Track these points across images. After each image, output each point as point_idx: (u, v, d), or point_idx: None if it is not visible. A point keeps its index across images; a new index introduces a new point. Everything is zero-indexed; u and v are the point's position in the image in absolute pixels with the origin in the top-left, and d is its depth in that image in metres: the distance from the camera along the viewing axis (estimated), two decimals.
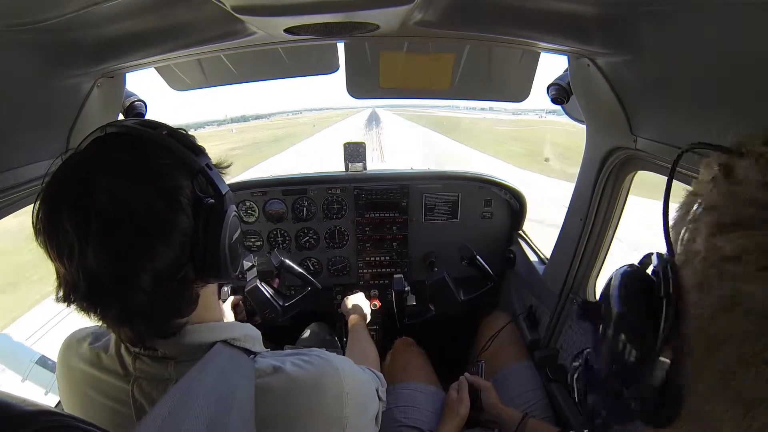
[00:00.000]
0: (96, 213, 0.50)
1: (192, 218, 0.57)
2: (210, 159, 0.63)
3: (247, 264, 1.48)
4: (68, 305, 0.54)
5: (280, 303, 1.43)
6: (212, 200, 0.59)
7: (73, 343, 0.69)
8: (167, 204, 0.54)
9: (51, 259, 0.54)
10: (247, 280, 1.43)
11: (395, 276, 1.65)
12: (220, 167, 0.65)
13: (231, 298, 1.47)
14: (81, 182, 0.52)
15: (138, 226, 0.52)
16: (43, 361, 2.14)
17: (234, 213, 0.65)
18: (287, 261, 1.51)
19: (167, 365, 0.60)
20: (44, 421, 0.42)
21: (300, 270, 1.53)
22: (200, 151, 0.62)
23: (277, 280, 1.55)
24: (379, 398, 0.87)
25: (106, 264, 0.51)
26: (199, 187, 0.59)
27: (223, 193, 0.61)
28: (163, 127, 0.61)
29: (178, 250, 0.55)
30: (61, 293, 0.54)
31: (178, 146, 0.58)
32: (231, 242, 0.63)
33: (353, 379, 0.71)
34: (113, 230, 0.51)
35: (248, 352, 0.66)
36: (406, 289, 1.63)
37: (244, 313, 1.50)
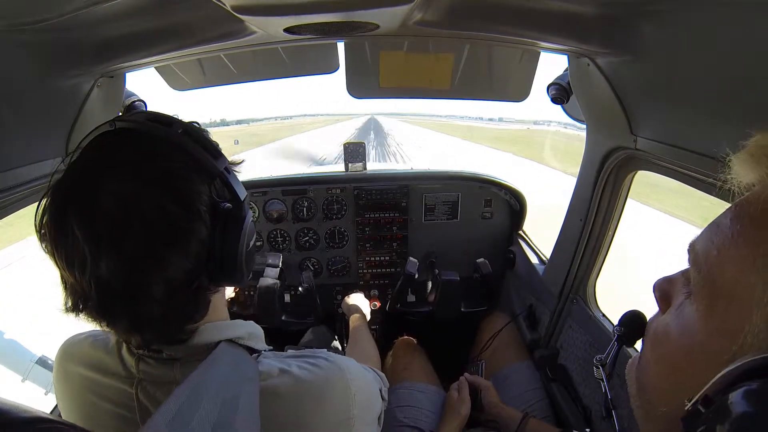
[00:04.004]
0: (107, 220, 0.48)
1: (209, 225, 0.54)
2: (228, 161, 0.60)
3: (271, 260, 1.45)
4: (77, 315, 0.52)
5: (282, 316, 1.42)
6: (229, 205, 0.56)
7: (70, 347, 0.67)
8: (184, 211, 0.51)
9: (59, 268, 0.51)
10: (264, 274, 1.41)
11: (411, 258, 1.66)
12: (233, 165, 0.62)
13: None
14: (90, 186, 0.49)
15: (153, 235, 0.49)
16: (43, 361, 2.14)
17: (252, 218, 0.62)
18: (314, 288, 1.52)
19: (173, 367, 0.58)
20: (39, 429, 0.41)
21: (318, 303, 1.53)
22: (218, 153, 0.58)
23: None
24: (382, 398, 0.86)
25: (120, 274, 0.48)
26: (216, 192, 0.56)
27: (242, 198, 0.59)
28: (177, 123, 0.57)
29: (193, 259, 0.53)
30: (69, 303, 0.52)
31: (195, 147, 0.55)
32: (248, 249, 0.61)
33: (359, 381, 0.71)
34: (126, 239, 0.48)
35: (251, 350, 0.65)
36: (416, 276, 1.63)
37: (229, 302, 1.47)
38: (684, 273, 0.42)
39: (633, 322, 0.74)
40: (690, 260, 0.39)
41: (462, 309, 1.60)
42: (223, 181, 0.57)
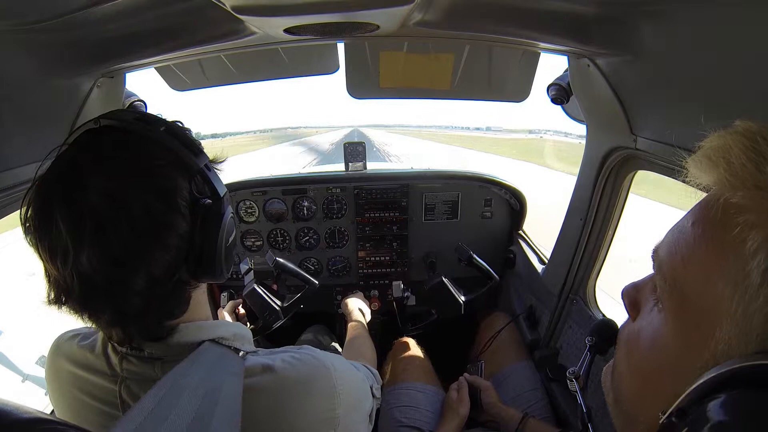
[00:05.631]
0: (90, 214, 0.49)
1: (189, 220, 0.55)
2: (208, 158, 0.61)
3: (244, 267, 1.47)
4: (59, 307, 0.53)
5: (279, 304, 1.42)
6: (209, 201, 0.58)
7: (61, 344, 0.68)
8: (165, 206, 0.53)
9: (42, 260, 0.52)
10: (245, 283, 1.42)
11: (394, 283, 1.64)
12: (216, 163, 0.64)
13: (230, 304, 1.47)
14: (74, 181, 0.50)
15: (134, 228, 0.50)
16: (44, 362, 2.14)
17: (231, 214, 0.63)
18: (281, 260, 1.49)
19: (154, 365, 0.59)
20: (40, 430, 0.41)
21: (296, 268, 1.51)
22: (199, 151, 0.60)
23: (275, 285, 1.54)
24: (374, 395, 0.86)
25: (102, 267, 0.49)
26: (196, 188, 0.57)
27: (221, 194, 0.60)
28: (160, 122, 0.59)
29: (174, 253, 0.54)
30: (52, 295, 0.52)
31: (176, 144, 0.56)
32: (227, 245, 0.62)
33: (345, 378, 0.70)
34: (109, 233, 0.49)
35: (238, 351, 0.65)
36: (406, 295, 1.62)
37: (246, 318, 1.49)
38: (652, 278, 0.41)
39: (604, 331, 0.75)
40: (655, 267, 0.39)
41: (463, 300, 1.58)
42: (203, 178, 0.58)
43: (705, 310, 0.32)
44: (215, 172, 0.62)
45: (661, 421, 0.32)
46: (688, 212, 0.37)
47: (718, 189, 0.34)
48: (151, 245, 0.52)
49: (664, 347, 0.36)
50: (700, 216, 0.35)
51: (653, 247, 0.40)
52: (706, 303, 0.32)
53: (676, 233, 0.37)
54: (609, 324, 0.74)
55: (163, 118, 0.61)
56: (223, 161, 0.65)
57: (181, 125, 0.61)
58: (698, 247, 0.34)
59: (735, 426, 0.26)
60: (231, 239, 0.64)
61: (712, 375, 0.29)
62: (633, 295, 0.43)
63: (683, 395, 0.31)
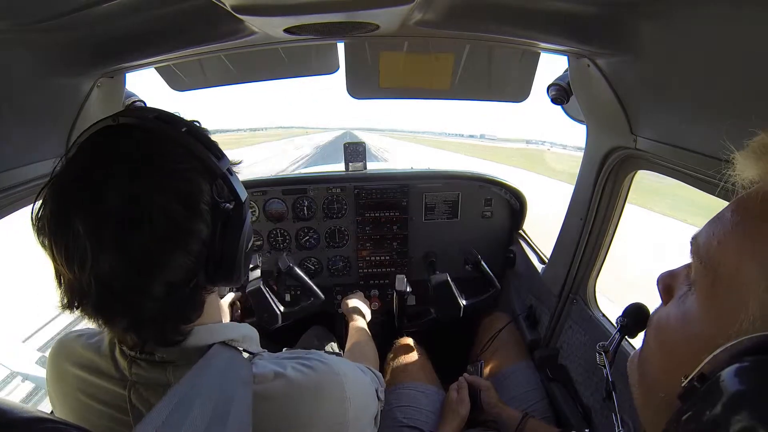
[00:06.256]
0: (111, 217, 0.47)
1: (210, 225, 0.54)
2: (230, 162, 0.60)
3: (251, 264, 1.47)
4: (72, 312, 0.51)
5: (280, 309, 1.42)
6: (230, 205, 0.56)
7: (63, 346, 0.66)
8: (188, 211, 0.51)
9: (56, 263, 0.50)
10: (250, 280, 1.42)
11: (398, 276, 1.63)
12: (234, 165, 0.62)
13: (230, 295, 1.46)
14: (94, 182, 0.48)
15: (156, 232, 0.49)
16: (44, 362, 2.14)
17: (251, 220, 0.62)
18: (296, 269, 1.50)
19: (165, 370, 0.58)
20: (38, 429, 0.41)
21: (307, 280, 1.52)
22: (221, 154, 0.58)
23: (275, 285, 1.54)
24: (378, 399, 0.86)
25: (121, 272, 0.48)
26: (217, 192, 0.56)
27: (243, 200, 0.58)
28: (181, 122, 0.57)
29: (194, 258, 0.53)
30: (65, 300, 0.51)
31: (198, 147, 0.55)
32: (247, 250, 0.61)
33: (354, 383, 0.70)
34: (130, 236, 0.48)
35: (246, 353, 0.65)
36: (408, 290, 1.62)
37: (239, 312, 1.49)
38: (687, 267, 0.43)
39: (636, 313, 0.76)
40: (692, 251, 0.41)
41: (464, 304, 1.58)
42: (224, 182, 0.57)
43: (735, 290, 0.34)
44: (236, 176, 0.60)
45: (682, 385, 0.33)
46: (729, 203, 0.39)
47: (761, 183, 0.36)
48: (173, 250, 0.51)
49: (693, 323, 0.38)
50: (739, 206, 0.37)
51: (692, 235, 0.42)
52: (736, 284, 0.34)
53: (715, 221, 0.39)
54: (642, 308, 0.76)
55: (183, 117, 0.59)
56: (239, 163, 0.64)
57: (199, 125, 0.59)
58: (734, 232, 0.36)
59: (754, 391, 0.27)
60: (250, 244, 0.63)
61: (736, 342, 0.31)
62: (668, 281, 0.45)
63: (705, 360, 0.32)
